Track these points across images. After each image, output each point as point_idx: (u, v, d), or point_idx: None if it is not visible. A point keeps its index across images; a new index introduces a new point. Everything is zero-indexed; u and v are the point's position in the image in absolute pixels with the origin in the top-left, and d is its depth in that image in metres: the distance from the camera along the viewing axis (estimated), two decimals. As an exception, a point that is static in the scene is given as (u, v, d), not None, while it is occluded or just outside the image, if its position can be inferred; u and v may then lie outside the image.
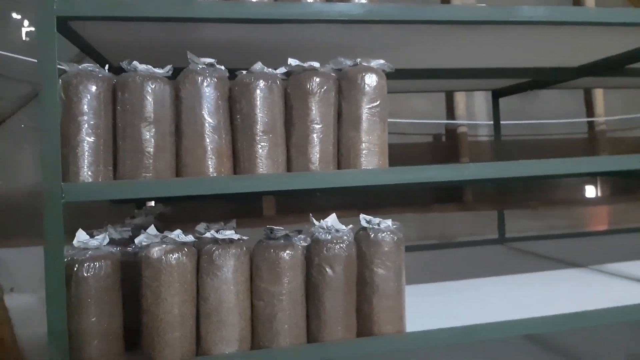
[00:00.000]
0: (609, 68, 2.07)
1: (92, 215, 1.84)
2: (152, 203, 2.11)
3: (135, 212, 1.73)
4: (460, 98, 3.32)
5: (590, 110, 3.60)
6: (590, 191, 3.63)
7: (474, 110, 3.44)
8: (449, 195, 3.39)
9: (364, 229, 1.40)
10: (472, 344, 2.42)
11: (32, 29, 2.90)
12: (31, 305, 2.74)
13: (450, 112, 3.38)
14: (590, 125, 3.60)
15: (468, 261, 2.36)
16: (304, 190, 1.35)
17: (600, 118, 3.54)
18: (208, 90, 1.29)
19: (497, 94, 2.76)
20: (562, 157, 2.50)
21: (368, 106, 1.35)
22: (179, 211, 1.27)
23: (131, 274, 1.31)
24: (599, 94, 3.54)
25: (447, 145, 3.41)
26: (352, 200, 1.26)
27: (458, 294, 1.76)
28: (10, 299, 2.74)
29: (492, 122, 2.89)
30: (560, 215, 3.46)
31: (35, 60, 1.20)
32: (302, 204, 1.32)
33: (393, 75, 1.42)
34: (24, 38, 2.91)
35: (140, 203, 1.96)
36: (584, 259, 2.22)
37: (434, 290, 1.83)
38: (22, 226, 2.81)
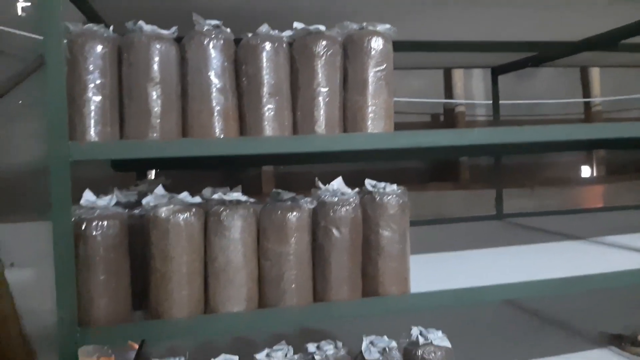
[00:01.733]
0: (606, 43, 2.09)
1: (95, 186, 1.85)
2: (153, 175, 2.11)
3: (137, 182, 1.73)
4: (458, 77, 3.33)
5: (586, 91, 3.63)
6: (586, 171, 3.67)
7: (472, 90, 3.45)
8: (445, 173, 3.41)
9: (370, 192, 1.41)
10: (472, 309, 2.48)
11: (28, 3, 2.86)
12: (31, 280, 2.74)
13: (449, 92, 3.40)
14: (587, 105, 3.63)
15: (466, 235, 2.39)
16: (305, 161, 1.36)
17: (596, 99, 3.57)
18: (214, 52, 1.29)
19: (496, 72, 2.77)
20: (561, 147, 2.53)
21: (374, 70, 1.36)
22: (179, 184, 1.28)
23: (138, 237, 1.32)
24: (595, 75, 3.56)
25: (445, 125, 3.43)
26: (350, 177, 1.29)
27: (457, 262, 1.79)
28: (10, 273, 2.74)
29: (490, 102, 2.90)
30: (556, 194, 3.50)
31: (32, 36, 1.19)
32: (301, 180, 1.33)
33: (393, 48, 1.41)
34: (19, 13, 2.88)
35: (141, 174, 1.97)
36: (581, 232, 2.25)
37: (433, 259, 1.85)
38: (20, 202, 2.80)
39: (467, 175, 3.41)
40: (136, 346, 2.26)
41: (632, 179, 3.60)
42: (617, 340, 2.06)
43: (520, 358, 1.96)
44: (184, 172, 2.09)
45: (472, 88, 3.45)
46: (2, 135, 2.83)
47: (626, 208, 2.97)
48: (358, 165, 1.45)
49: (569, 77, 3.58)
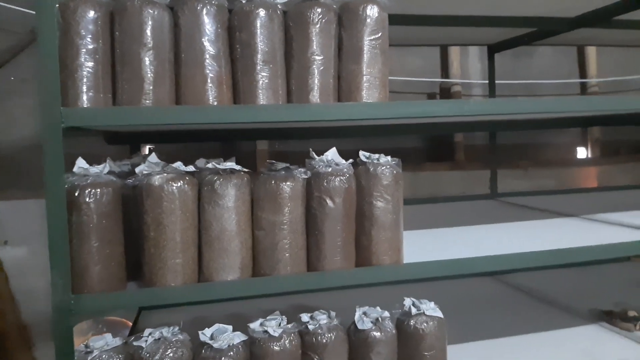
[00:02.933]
0: (603, 18, 2.07)
1: (88, 160, 1.84)
2: (147, 150, 2.10)
3: (131, 156, 1.72)
4: (454, 56, 3.32)
5: (583, 71, 3.62)
6: (581, 152, 3.68)
7: (468, 69, 3.44)
8: (441, 154, 3.42)
9: (364, 163, 1.41)
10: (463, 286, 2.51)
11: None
12: (25, 258, 2.74)
13: (445, 71, 3.38)
14: (583, 86, 3.62)
15: (459, 213, 2.40)
16: (299, 136, 1.36)
17: (592, 80, 3.57)
18: (207, 18, 1.27)
19: (492, 50, 2.75)
20: (557, 124, 2.53)
21: (369, 38, 1.34)
22: (173, 160, 1.28)
23: (131, 207, 1.32)
24: (591, 55, 3.55)
25: (441, 105, 3.41)
26: (346, 155, 1.30)
27: (450, 237, 1.80)
28: (3, 251, 2.74)
29: (486, 82, 2.89)
30: (550, 175, 3.51)
31: (25, 10, 1.16)
32: (296, 158, 1.33)
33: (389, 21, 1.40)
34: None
35: (134, 148, 1.95)
36: (574, 210, 2.26)
37: (427, 234, 1.86)
38: (14, 179, 2.79)
39: (463, 156, 3.41)
40: (130, 324, 2.28)
41: (626, 160, 3.61)
42: (607, 317, 2.09)
43: (512, 333, 1.98)
44: (178, 147, 2.08)
45: (468, 67, 3.44)
46: (-2, 110, 2.80)
47: (620, 188, 2.98)
48: (354, 144, 1.45)
49: (566, 56, 3.57)
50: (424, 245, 1.66)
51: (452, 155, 3.41)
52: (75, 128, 1.30)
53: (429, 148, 3.45)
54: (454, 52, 3.31)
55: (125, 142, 1.91)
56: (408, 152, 3.35)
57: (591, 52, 3.55)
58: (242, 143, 2.75)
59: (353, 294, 1.91)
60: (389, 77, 1.39)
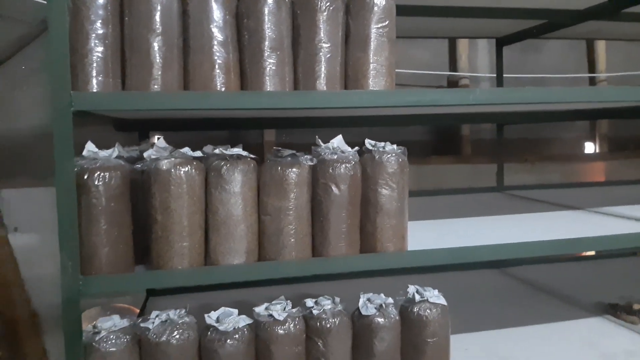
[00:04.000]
0: (612, 11, 2.06)
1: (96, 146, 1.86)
2: (155, 139, 2.12)
3: (140, 143, 1.74)
4: (462, 49, 3.31)
5: (592, 66, 3.60)
6: (588, 147, 3.66)
7: (476, 63, 3.43)
8: (447, 147, 3.41)
9: (369, 151, 1.42)
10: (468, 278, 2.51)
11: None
12: (35, 245, 2.77)
13: (453, 64, 3.37)
14: (592, 81, 3.60)
15: (465, 204, 2.40)
16: (306, 125, 1.37)
17: (601, 74, 3.54)
18: (215, 5, 1.28)
19: (500, 43, 2.74)
20: (564, 117, 2.51)
21: (376, 26, 1.35)
22: (180, 147, 1.30)
23: (139, 192, 1.34)
24: (600, 50, 3.53)
25: (448, 98, 3.40)
26: (352, 147, 1.32)
27: (455, 227, 1.80)
28: (14, 238, 2.77)
29: (494, 75, 2.88)
30: (557, 170, 3.50)
31: (37, 0, 1.18)
32: (302, 148, 1.34)
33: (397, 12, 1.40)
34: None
35: (143, 135, 1.97)
36: (580, 204, 2.26)
37: (431, 225, 1.86)
38: (24, 167, 2.82)
39: (469, 150, 3.41)
40: (137, 310, 2.31)
41: (635, 155, 3.59)
42: (612, 310, 2.09)
43: (517, 324, 1.99)
44: (187, 136, 2.09)
45: (477, 61, 3.42)
46: (7, 100, 2.83)
47: (628, 183, 2.97)
48: (360, 136, 1.46)
49: (575, 51, 3.55)
50: (429, 235, 1.67)
51: (458, 149, 3.40)
52: (85, 113, 1.32)
53: (436, 141, 3.45)
54: (462, 45, 3.30)
55: (134, 130, 1.93)
56: (415, 145, 3.34)
57: (600, 46, 3.52)
58: (249, 135, 2.76)
59: (358, 284, 1.91)
60: (397, 70, 1.40)
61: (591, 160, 3.63)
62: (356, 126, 2.01)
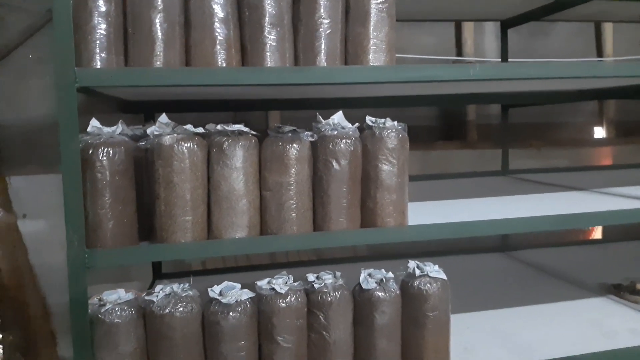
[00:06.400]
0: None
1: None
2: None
3: (144, 124, 1.76)
4: (468, 34, 3.28)
5: (600, 51, 3.56)
6: (596, 132, 3.63)
7: (483, 48, 3.40)
8: (452, 133, 3.40)
9: (370, 127, 1.43)
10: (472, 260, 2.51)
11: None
12: (43, 232, 2.81)
13: (459, 50, 3.35)
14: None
15: (469, 187, 2.40)
16: (308, 106, 1.38)
17: (609, 58, 3.50)
18: (216, -19, 1.29)
19: (505, 25, 2.72)
20: (570, 97, 2.50)
21: (376, 1, 1.36)
22: None
23: (143, 171, 1.36)
24: (608, 34, 3.49)
25: (454, 83, 3.39)
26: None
27: (457, 205, 1.81)
28: (22, 224, 2.81)
29: (499, 60, 2.86)
30: (564, 155, 3.47)
31: None
32: (305, 126, 1.36)
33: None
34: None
35: (148, 117, 1.99)
36: (585, 185, 2.25)
37: (434, 205, 1.87)
38: (32, 155, 2.85)
39: (475, 135, 3.39)
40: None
41: (641, 141, 3.55)
42: (616, 290, 2.09)
43: (520, 303, 2.00)
44: (191, 118, 2.10)
45: (483, 45, 3.40)
46: (14, 89, 2.87)
47: (636, 166, 2.95)
48: (364, 120, 1.47)
49: (582, 36, 3.51)
50: (430, 213, 1.67)
51: (464, 135, 3.39)
52: (90, 90, 1.35)
53: (441, 127, 3.44)
54: (468, 30, 3.27)
55: (140, 112, 1.95)
56: (420, 130, 3.34)
57: (607, 31, 3.48)
58: (254, 119, 2.77)
59: (359, 268, 1.92)
60: (403, 55, 1.40)
61: (598, 145, 3.60)
62: (359, 107, 2.01)
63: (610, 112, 3.62)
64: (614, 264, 2.50)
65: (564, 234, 3.26)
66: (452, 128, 3.43)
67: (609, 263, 2.55)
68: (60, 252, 1.25)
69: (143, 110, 1.94)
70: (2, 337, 2.65)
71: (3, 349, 2.67)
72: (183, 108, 1.94)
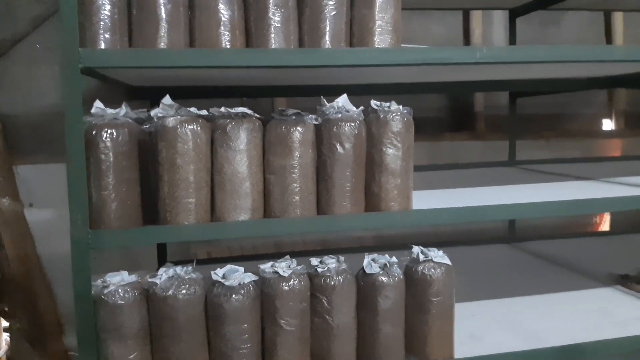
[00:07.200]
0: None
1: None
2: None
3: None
4: (476, 24, 3.25)
5: (609, 42, 3.51)
6: (605, 124, 3.59)
7: (491, 38, 3.37)
8: (460, 124, 3.37)
9: (374, 111, 1.42)
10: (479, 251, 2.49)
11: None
12: (49, 220, 2.82)
13: (467, 40, 3.32)
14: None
15: (476, 176, 2.38)
16: (314, 92, 1.37)
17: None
18: (220, -38, 1.29)
19: (514, 14, 2.69)
20: (579, 86, 2.47)
21: (381, -17, 1.34)
22: None
23: (148, 155, 1.35)
24: (618, 25, 3.44)
25: (461, 74, 3.36)
26: None
27: (463, 194, 1.79)
28: (29, 213, 2.83)
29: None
30: (572, 146, 3.44)
31: None
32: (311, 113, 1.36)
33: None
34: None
35: (154, 104, 1.99)
36: (593, 175, 2.22)
37: (440, 193, 1.85)
38: (40, 144, 2.86)
39: (483, 126, 3.36)
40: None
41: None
42: (623, 280, 2.07)
43: (526, 293, 1.98)
44: (196, 104, 2.09)
45: (492, 35, 3.36)
46: (23, 79, 2.88)
47: (645, 158, 2.91)
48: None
49: (594, 26, 3.46)
50: (436, 199, 1.66)
51: (472, 126, 3.36)
52: (94, 72, 1.35)
53: (450, 118, 3.41)
54: (476, 20, 3.24)
55: (146, 98, 1.95)
56: (428, 121, 3.31)
57: (618, 21, 3.43)
58: (260, 106, 2.76)
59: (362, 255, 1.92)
60: (412, 45, 1.38)
61: (608, 137, 3.56)
62: (366, 95, 1.99)
63: (620, 104, 3.57)
64: (622, 256, 2.47)
65: (571, 226, 3.23)
66: (460, 119, 3.40)
67: (616, 254, 2.52)
68: (66, 241, 1.25)
69: (149, 97, 1.94)
70: (9, 324, 2.67)
71: (10, 336, 2.70)
72: (188, 95, 1.94)
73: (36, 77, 2.93)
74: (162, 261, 2.27)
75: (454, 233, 3.11)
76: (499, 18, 3.33)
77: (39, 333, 2.64)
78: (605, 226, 3.32)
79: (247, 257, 2.42)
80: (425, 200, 1.56)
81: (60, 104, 1.25)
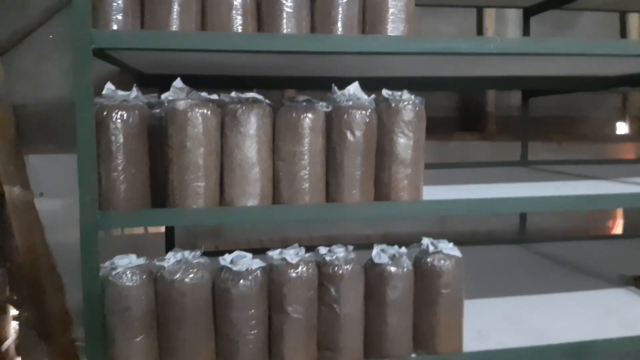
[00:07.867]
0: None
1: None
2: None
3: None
4: (489, 23, 3.23)
5: (624, 44, 3.48)
6: (619, 128, 3.55)
7: (505, 37, 3.35)
8: (471, 124, 3.35)
9: (386, 100, 1.40)
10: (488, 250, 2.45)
11: None
12: (59, 210, 2.83)
13: (479, 39, 3.30)
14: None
15: (487, 175, 2.36)
16: (326, 85, 1.37)
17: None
18: (233, -54, 1.28)
19: (528, 13, 2.67)
20: (593, 85, 2.44)
21: (396, -30, 1.33)
22: None
23: (157, 140, 1.35)
24: (634, 26, 3.40)
25: (473, 74, 3.34)
26: None
27: (474, 189, 1.77)
28: (39, 203, 2.84)
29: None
30: (584, 150, 3.40)
31: None
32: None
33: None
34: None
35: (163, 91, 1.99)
36: (605, 176, 2.19)
37: (450, 188, 1.83)
38: (50, 134, 2.88)
39: (494, 127, 3.34)
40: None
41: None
42: (635, 282, 2.04)
43: (535, 292, 1.95)
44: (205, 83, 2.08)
45: (505, 36, 3.34)
46: (34, 70, 2.90)
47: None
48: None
49: (608, 27, 3.43)
50: (446, 193, 1.64)
51: (482, 126, 3.34)
52: (105, 54, 1.35)
53: (460, 118, 3.39)
54: (489, 19, 3.22)
55: (157, 86, 1.95)
56: (439, 121, 3.29)
57: (633, 23, 3.40)
58: (270, 98, 2.77)
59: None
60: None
61: (621, 141, 3.52)
62: (377, 89, 1.99)
63: (634, 108, 3.53)
64: (635, 258, 2.43)
65: (583, 229, 3.19)
66: (471, 119, 3.38)
67: (629, 257, 2.48)
68: (76, 231, 1.26)
69: (159, 86, 1.94)
70: (18, 313, 2.68)
71: (18, 325, 2.71)
72: (199, 84, 1.94)
73: (47, 69, 2.94)
74: (169, 248, 2.27)
75: (463, 234, 3.08)
76: (513, 17, 3.31)
77: (47, 323, 2.65)
78: (618, 230, 3.28)
79: (254, 251, 2.41)
80: (435, 193, 1.54)
81: (70, 95, 1.25)
